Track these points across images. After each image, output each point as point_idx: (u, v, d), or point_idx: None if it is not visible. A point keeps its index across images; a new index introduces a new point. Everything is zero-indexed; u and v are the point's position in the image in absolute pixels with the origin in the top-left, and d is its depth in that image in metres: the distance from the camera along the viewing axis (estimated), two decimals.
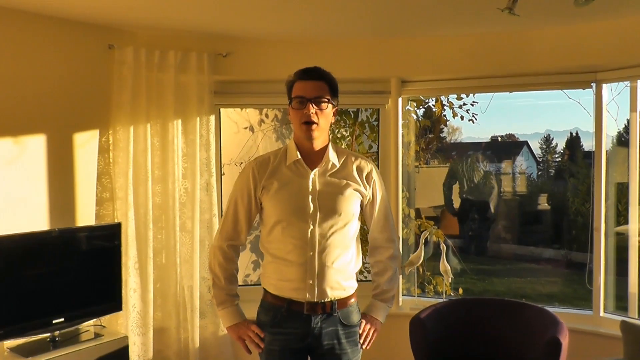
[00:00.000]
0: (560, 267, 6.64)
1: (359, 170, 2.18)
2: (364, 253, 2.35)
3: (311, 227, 2.07)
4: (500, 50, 3.44)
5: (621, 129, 3.88)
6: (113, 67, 3.28)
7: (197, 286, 3.47)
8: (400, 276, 3.74)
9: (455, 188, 6.61)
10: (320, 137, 2.12)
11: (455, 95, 4.48)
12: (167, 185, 3.44)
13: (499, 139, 8.53)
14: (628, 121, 3.45)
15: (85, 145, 3.24)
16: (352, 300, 2.18)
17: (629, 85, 3.35)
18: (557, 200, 7.24)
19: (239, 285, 2.27)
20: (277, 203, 2.10)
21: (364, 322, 2.21)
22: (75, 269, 2.99)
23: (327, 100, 2.08)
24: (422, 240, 3.69)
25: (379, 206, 2.22)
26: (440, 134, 5.82)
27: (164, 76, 3.41)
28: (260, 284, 2.23)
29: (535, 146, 8.67)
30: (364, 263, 2.38)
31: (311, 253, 2.06)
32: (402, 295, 3.83)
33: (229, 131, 4.41)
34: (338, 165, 2.16)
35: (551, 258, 6.89)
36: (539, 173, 8.65)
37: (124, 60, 3.29)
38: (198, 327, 3.48)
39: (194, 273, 3.47)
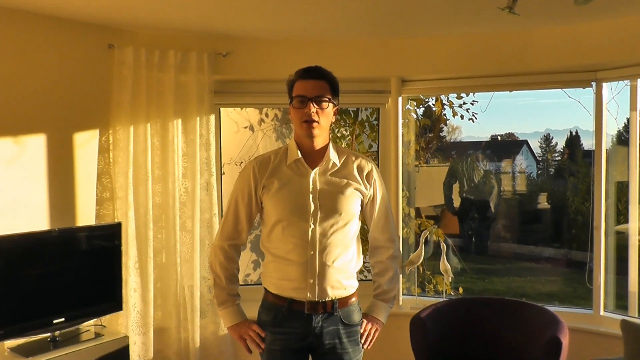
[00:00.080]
0: (560, 266, 6.64)
1: (360, 169, 2.18)
2: (364, 252, 2.35)
3: (312, 226, 2.06)
4: (500, 49, 3.44)
5: (621, 128, 3.89)
6: (113, 67, 3.28)
7: (198, 286, 3.47)
8: (401, 275, 3.75)
9: (455, 187, 6.61)
10: (321, 135, 2.12)
11: (455, 95, 4.47)
12: (167, 185, 3.44)
13: (499, 138, 8.54)
14: (628, 120, 3.45)
15: (85, 145, 3.24)
16: (353, 299, 2.18)
17: (629, 84, 3.35)
18: (557, 199, 7.24)
19: (240, 285, 2.27)
20: (277, 202, 2.10)
21: (365, 322, 2.21)
22: (75, 269, 2.99)
23: (328, 99, 2.08)
24: (422, 240, 3.69)
25: (380, 206, 2.22)
26: (440, 133, 5.83)
27: (164, 76, 3.41)
28: (260, 284, 2.23)
29: (535, 145, 8.69)
30: (364, 262, 2.38)
31: (312, 252, 2.06)
32: (403, 294, 3.83)
33: (229, 131, 4.41)
34: (339, 165, 2.15)
35: (551, 257, 6.89)
36: (539, 172, 8.65)
37: (124, 60, 3.29)
38: (198, 327, 3.48)
39: (194, 272, 3.47)
